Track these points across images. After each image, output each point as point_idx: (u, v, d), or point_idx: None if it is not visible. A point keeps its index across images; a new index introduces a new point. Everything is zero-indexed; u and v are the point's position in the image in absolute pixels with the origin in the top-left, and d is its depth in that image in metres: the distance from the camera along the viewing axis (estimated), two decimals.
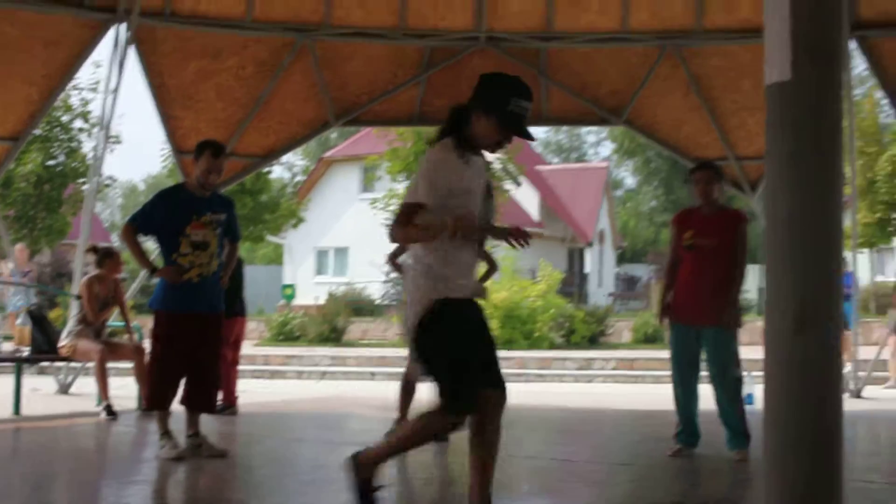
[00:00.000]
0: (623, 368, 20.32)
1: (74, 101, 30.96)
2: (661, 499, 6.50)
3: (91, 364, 11.26)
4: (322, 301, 29.00)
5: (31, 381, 14.70)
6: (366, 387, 17.19)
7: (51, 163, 30.82)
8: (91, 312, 10.88)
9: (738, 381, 8.01)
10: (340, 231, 39.69)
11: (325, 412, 12.24)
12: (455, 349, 4.91)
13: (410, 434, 5.10)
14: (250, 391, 13.62)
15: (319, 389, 16.39)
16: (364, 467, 5.19)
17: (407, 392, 9.02)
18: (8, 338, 14.21)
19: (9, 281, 17.04)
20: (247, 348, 13.25)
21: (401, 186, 30.73)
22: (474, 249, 5.24)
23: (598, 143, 77.20)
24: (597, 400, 14.55)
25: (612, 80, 14.22)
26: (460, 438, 5.17)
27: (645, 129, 14.68)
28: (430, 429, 5.05)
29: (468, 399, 4.84)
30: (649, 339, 23.84)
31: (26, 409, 11.06)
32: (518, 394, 15.61)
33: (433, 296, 4.94)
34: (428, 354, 5.00)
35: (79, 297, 11.23)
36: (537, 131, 77.97)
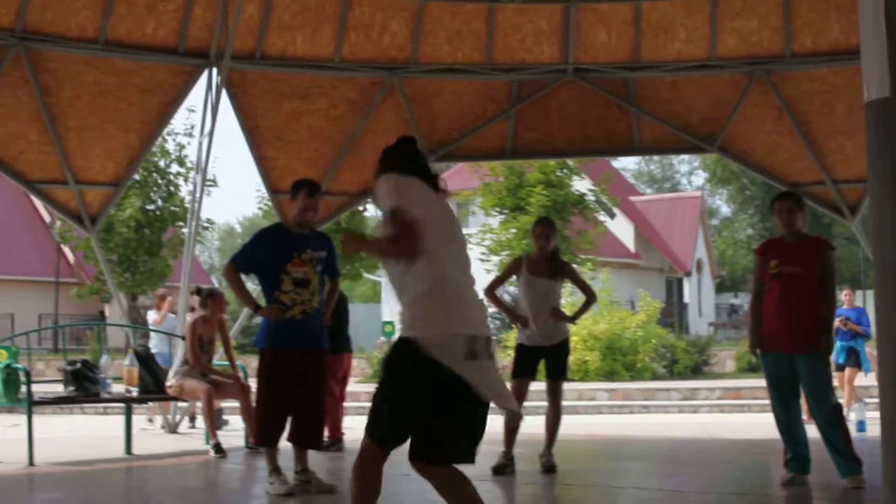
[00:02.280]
0: (729, 398, 20.07)
1: (170, 146, 31.71)
2: None
3: (199, 403, 11.44)
4: None
5: (140, 420, 14.94)
6: None
7: (149, 207, 31.50)
8: (192, 355, 11.01)
9: (838, 406, 7.96)
10: None
11: None
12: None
13: None
14: (356, 428, 13.66)
15: None
16: None
17: (511, 427, 8.94)
18: (118, 379, 14.41)
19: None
20: (350, 385, 13.31)
21: (494, 221, 30.70)
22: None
23: (691, 173, 76.84)
24: (704, 430, 14.38)
25: (702, 107, 14.11)
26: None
27: (739, 155, 14.50)
28: None
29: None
30: (753, 368, 23.50)
31: (137, 448, 11.25)
32: (623, 425, 15.45)
33: None
34: None
35: (184, 338, 11.42)
36: (629, 161, 77.78)
